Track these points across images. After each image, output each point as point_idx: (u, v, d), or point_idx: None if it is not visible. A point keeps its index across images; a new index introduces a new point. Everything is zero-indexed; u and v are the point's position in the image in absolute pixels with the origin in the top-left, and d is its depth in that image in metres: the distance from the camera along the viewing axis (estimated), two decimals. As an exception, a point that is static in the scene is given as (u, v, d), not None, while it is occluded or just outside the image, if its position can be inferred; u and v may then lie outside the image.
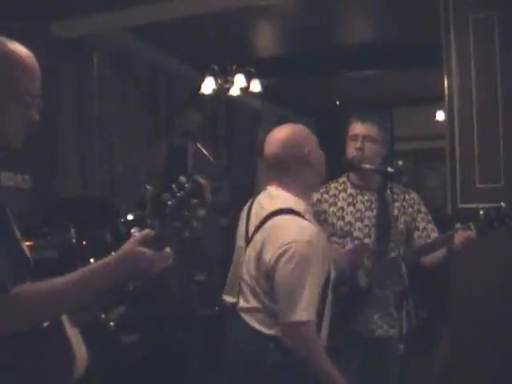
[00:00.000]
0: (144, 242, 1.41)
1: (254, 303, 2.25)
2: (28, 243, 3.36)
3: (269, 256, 2.17)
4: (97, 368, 3.16)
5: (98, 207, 4.22)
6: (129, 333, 3.63)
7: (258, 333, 2.22)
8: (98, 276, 1.43)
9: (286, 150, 2.27)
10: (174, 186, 1.38)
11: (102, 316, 3.52)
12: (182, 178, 1.40)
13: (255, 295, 2.24)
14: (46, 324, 1.44)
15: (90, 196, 5.33)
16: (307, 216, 2.24)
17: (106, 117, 5.80)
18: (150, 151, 5.66)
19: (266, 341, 2.19)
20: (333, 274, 2.29)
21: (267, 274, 2.19)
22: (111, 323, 3.56)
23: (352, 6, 5.35)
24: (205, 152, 5.13)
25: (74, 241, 3.52)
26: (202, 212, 1.38)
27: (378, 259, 2.63)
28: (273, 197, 2.29)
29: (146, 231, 1.42)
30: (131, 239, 1.43)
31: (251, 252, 2.26)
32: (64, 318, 1.52)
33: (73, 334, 1.53)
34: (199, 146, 5.15)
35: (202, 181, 1.40)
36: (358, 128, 2.69)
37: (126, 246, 1.43)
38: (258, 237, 2.24)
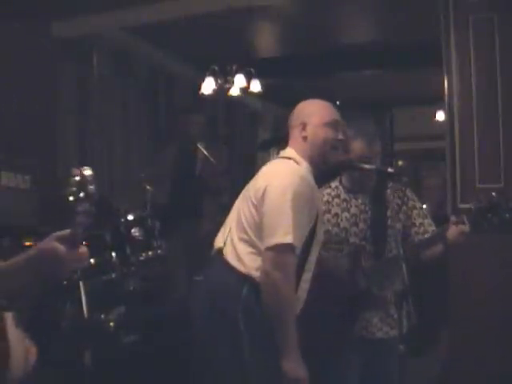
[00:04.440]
0: (61, 239, 1.39)
1: (237, 237, 2.27)
2: (28, 243, 3.38)
3: (259, 186, 2.26)
4: (97, 368, 3.16)
5: (97, 207, 4.21)
6: (129, 333, 3.63)
7: (234, 270, 2.22)
8: (14, 269, 1.41)
9: (290, 118, 2.46)
10: (70, 179, 1.35)
11: (102, 316, 3.53)
12: (74, 170, 1.35)
13: (241, 230, 2.27)
14: None
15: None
16: (306, 171, 2.32)
17: (106, 117, 5.80)
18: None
19: (240, 280, 2.19)
20: (320, 235, 2.33)
21: (256, 206, 2.24)
22: (111, 323, 3.57)
23: (352, 6, 5.36)
24: (205, 153, 5.14)
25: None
26: (86, 206, 1.35)
27: (376, 260, 2.62)
28: (284, 153, 2.43)
29: (65, 230, 1.40)
30: (49, 236, 1.41)
31: (245, 192, 2.35)
32: (9, 317, 1.53)
33: (15, 333, 1.54)
34: (199, 146, 5.15)
35: (87, 172, 1.35)
36: (366, 150, 2.62)
37: (44, 242, 1.41)
38: (255, 177, 2.36)
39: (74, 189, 1.33)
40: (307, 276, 2.29)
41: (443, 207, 4.08)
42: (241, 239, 2.25)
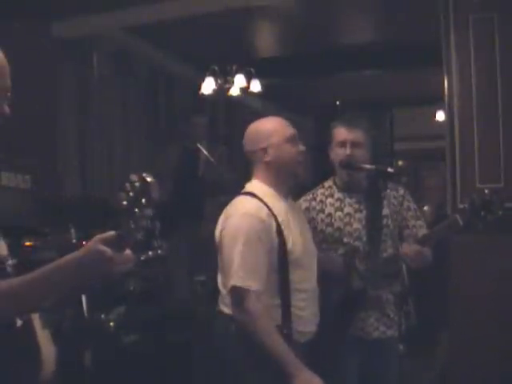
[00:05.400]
0: (106, 241, 1.38)
1: (221, 287, 2.33)
2: (28, 243, 3.38)
3: (217, 233, 2.31)
4: (97, 368, 3.16)
5: (98, 207, 4.22)
6: (129, 333, 3.63)
7: (222, 314, 2.29)
8: (59, 274, 1.39)
9: (246, 144, 2.41)
10: (127, 184, 1.37)
11: (102, 316, 3.53)
12: (133, 177, 1.36)
13: (221, 279, 2.33)
14: (19, 324, 1.44)
15: (90, 196, 5.33)
16: (266, 199, 2.29)
17: (106, 117, 5.80)
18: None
19: (228, 321, 2.25)
20: (298, 252, 2.30)
21: (218, 251, 2.30)
22: (111, 323, 3.57)
23: (352, 6, 5.36)
24: (205, 153, 5.14)
25: (74, 241, 3.52)
26: (148, 212, 1.36)
27: (371, 260, 2.61)
28: (246, 186, 2.41)
29: (110, 232, 1.40)
30: (94, 238, 1.40)
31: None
32: (35, 318, 1.52)
33: (43, 335, 1.53)
34: (200, 146, 5.15)
35: (149, 179, 1.37)
36: (344, 134, 2.64)
37: (89, 245, 1.40)
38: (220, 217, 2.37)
39: (132, 194, 1.34)
40: (300, 296, 2.29)
41: (443, 207, 4.08)
42: (220, 282, 2.34)
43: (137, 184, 1.35)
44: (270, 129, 2.37)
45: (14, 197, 3.94)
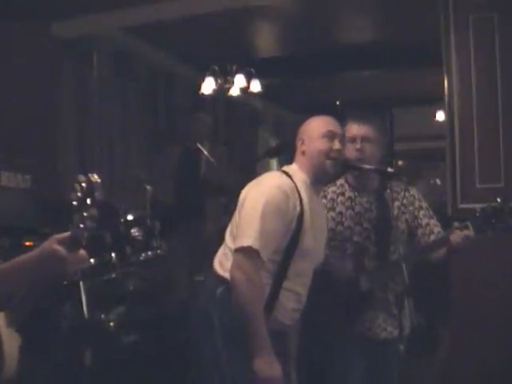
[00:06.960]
0: (61, 241, 1.41)
1: (223, 247, 2.38)
2: (28, 243, 3.38)
3: (241, 198, 2.37)
4: (97, 368, 3.16)
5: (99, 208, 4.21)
6: (129, 333, 3.63)
7: (215, 275, 2.33)
8: (17, 270, 1.43)
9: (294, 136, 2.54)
10: (76, 185, 1.39)
11: (102, 316, 3.53)
12: (81, 177, 1.40)
13: (227, 240, 2.36)
14: None
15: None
16: (299, 183, 2.36)
17: (105, 117, 5.81)
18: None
19: (217, 283, 2.29)
20: (308, 244, 2.33)
21: (239, 213, 2.34)
22: (111, 323, 3.57)
23: (351, 5, 5.36)
24: (205, 153, 5.13)
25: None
26: (93, 212, 1.38)
27: (380, 262, 2.62)
28: (284, 167, 2.50)
29: (66, 233, 1.43)
30: (50, 238, 1.43)
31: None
32: (0, 316, 1.54)
33: (6, 333, 1.55)
34: (200, 146, 5.15)
35: (94, 179, 1.40)
36: (355, 129, 2.67)
37: (45, 244, 1.43)
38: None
39: (80, 194, 1.36)
40: (291, 285, 2.31)
41: (444, 208, 4.08)
42: (225, 244, 2.38)
43: (83, 184, 1.37)
44: (311, 123, 2.49)
45: (14, 197, 3.94)
